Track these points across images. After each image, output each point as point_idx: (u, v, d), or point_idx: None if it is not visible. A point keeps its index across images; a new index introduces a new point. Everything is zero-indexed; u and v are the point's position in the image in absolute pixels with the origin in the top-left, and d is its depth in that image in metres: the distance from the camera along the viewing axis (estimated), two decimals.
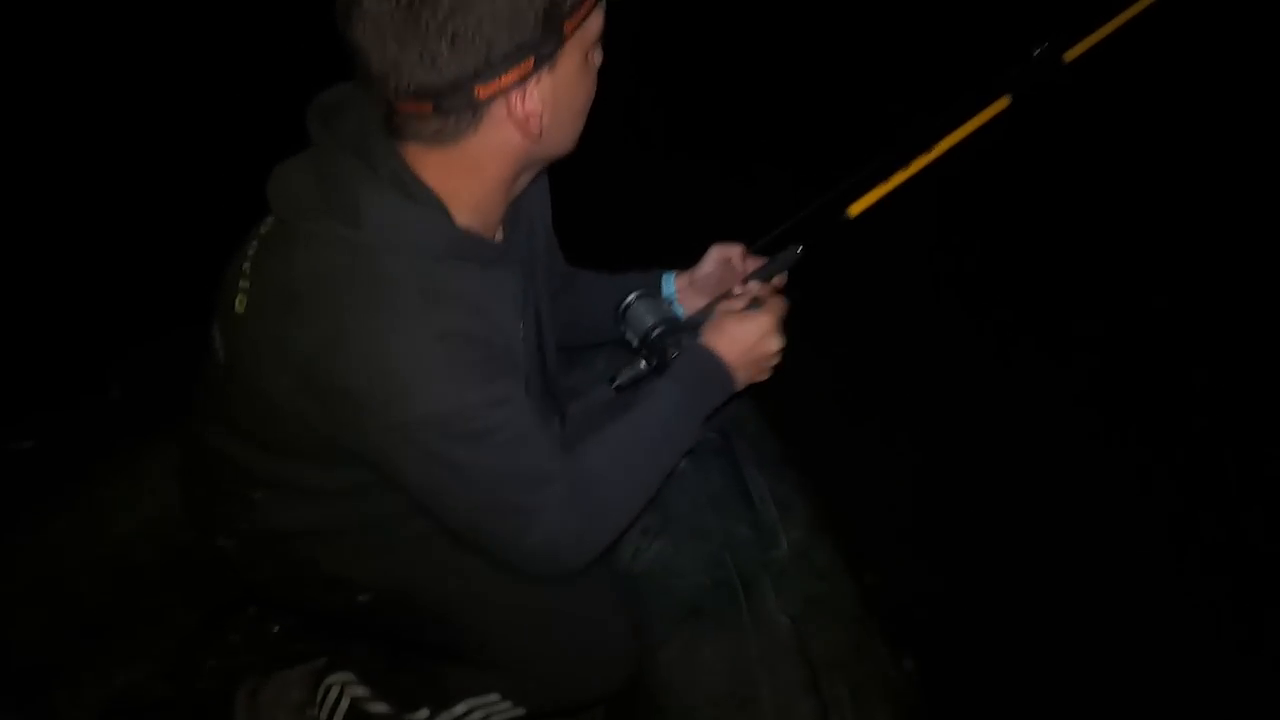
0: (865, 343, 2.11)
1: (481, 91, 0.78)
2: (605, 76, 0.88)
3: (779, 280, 1.17)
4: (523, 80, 0.79)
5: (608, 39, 0.87)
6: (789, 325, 1.07)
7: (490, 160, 0.85)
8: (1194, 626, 1.60)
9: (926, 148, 1.13)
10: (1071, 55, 1.18)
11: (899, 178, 1.13)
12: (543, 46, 0.79)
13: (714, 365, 1.03)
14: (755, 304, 1.07)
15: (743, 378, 1.05)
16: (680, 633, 1.17)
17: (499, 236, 0.96)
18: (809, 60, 3.02)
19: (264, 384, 0.88)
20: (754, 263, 1.17)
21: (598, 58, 0.89)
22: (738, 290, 1.15)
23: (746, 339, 1.04)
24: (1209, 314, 2.24)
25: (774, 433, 1.45)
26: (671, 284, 1.21)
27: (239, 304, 0.90)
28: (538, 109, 0.82)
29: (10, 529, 1.24)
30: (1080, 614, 1.63)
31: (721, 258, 1.18)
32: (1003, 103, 1.15)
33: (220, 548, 1.11)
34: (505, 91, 0.79)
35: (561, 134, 0.88)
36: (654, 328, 1.11)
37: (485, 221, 0.91)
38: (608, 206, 2.16)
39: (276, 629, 1.48)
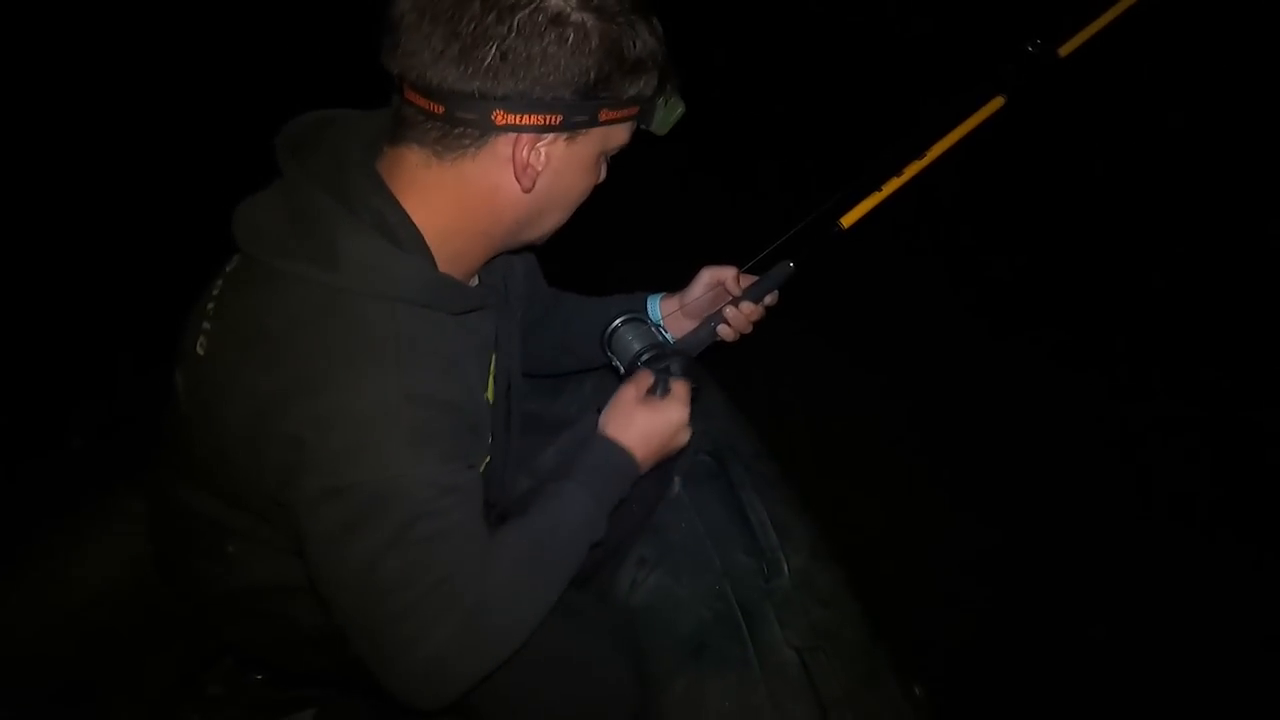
0: (858, 356, 2.08)
1: (500, 118, 0.75)
2: None
3: (772, 298, 1.13)
4: (541, 131, 0.77)
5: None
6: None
7: (478, 198, 0.81)
8: (1217, 654, 1.57)
9: (919, 153, 1.09)
10: (1067, 50, 1.14)
11: (893, 185, 1.08)
12: (575, 113, 0.77)
13: (623, 460, 0.96)
14: (663, 385, 1.00)
15: (648, 466, 0.99)
16: (683, 671, 1.13)
17: (473, 281, 0.93)
18: (799, 69, 3.00)
19: (219, 430, 0.82)
20: (746, 282, 1.13)
21: (604, 171, 0.87)
22: (729, 312, 1.12)
23: (662, 433, 0.98)
24: (1208, 311, 2.23)
25: (770, 452, 1.41)
26: (658, 308, 1.17)
27: (199, 346, 0.84)
28: (539, 166, 0.79)
29: None
30: (1093, 632, 1.61)
31: (713, 281, 1.14)
32: (997, 103, 1.11)
33: (197, 606, 1.05)
34: (520, 131, 0.76)
35: (546, 207, 0.85)
36: (641, 353, 1.08)
37: (463, 268, 0.87)
38: (595, 222, 2.11)
39: (259, 678, 1.42)
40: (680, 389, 1.01)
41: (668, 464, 1.05)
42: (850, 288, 2.00)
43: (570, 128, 0.78)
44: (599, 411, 1.15)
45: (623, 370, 1.11)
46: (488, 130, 0.76)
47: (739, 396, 1.47)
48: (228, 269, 0.87)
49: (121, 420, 1.29)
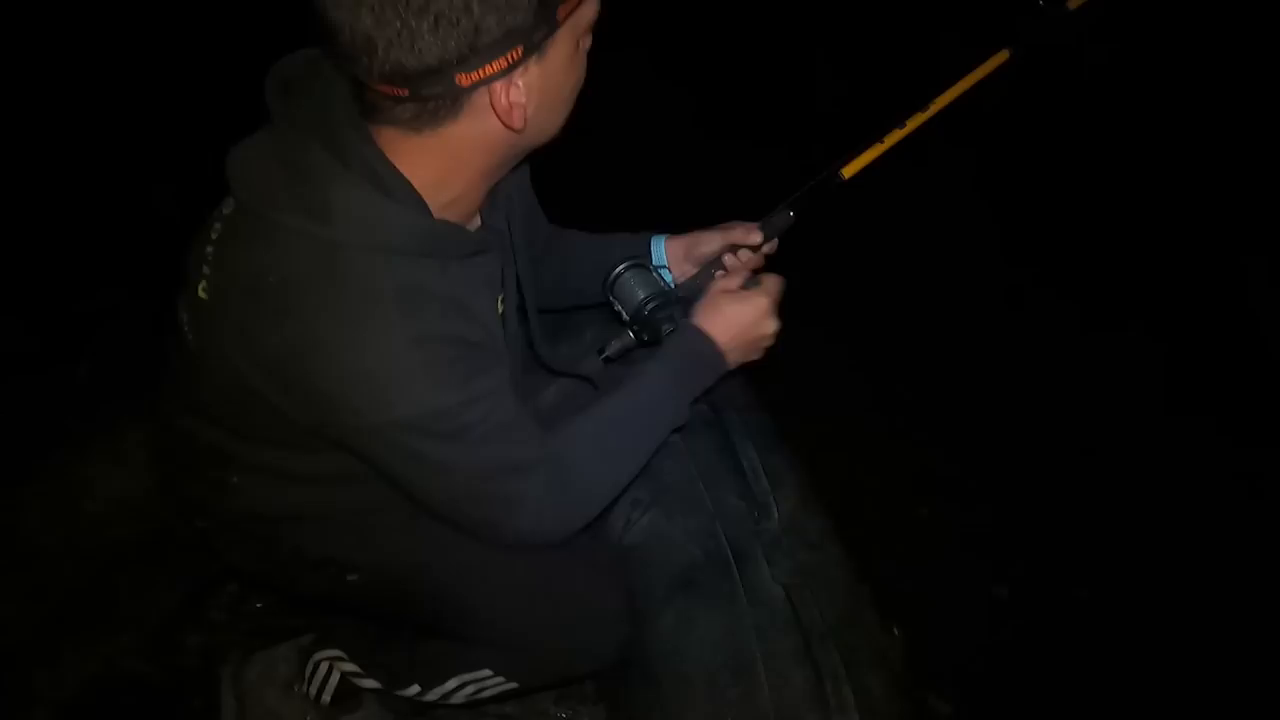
0: (855, 315, 2.10)
1: (463, 79, 0.72)
2: (609, 54, 0.83)
3: (770, 246, 1.14)
4: (509, 69, 0.73)
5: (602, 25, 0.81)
6: (784, 302, 1.04)
7: (470, 151, 0.81)
8: (1190, 627, 1.60)
9: (923, 106, 1.06)
10: (1076, 2, 1.09)
11: (894, 137, 1.06)
12: (534, 34, 0.73)
13: (707, 348, 1.01)
14: (753, 282, 1.04)
15: (735, 359, 1.03)
16: (673, 604, 1.17)
17: (475, 222, 0.93)
18: (810, 29, 2.97)
19: (236, 374, 0.84)
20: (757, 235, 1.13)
21: (587, 42, 0.84)
22: (728, 260, 1.13)
23: (743, 320, 1.02)
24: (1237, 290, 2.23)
25: (764, 406, 1.44)
26: (662, 250, 1.18)
27: (201, 290, 0.85)
28: (523, 100, 0.76)
29: None
30: (1068, 586, 1.65)
31: (728, 243, 1.13)
32: (1002, 56, 1.08)
33: (200, 530, 1.08)
34: (489, 80, 0.73)
35: (547, 123, 0.84)
36: (646, 301, 1.08)
37: (463, 210, 0.87)
38: (604, 181, 2.11)
39: (259, 605, 1.46)
40: (771, 282, 1.03)
41: None
42: (850, 249, 2.02)
43: (535, 49, 0.74)
44: (600, 353, 1.18)
45: (626, 317, 1.12)
46: (458, 96, 0.75)
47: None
48: (225, 211, 0.87)
49: (128, 349, 1.30)
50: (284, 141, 0.80)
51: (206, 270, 0.85)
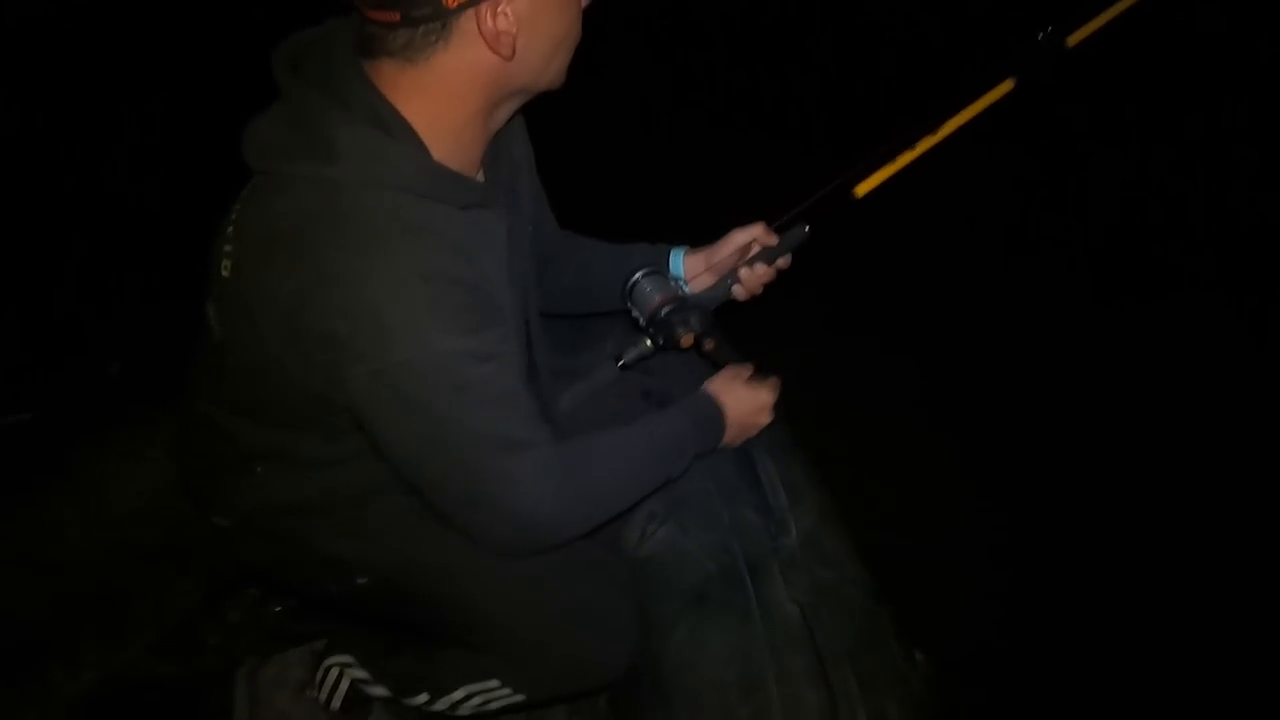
0: (875, 332, 2.08)
1: (449, 0, 0.75)
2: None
3: (784, 261, 1.15)
4: None
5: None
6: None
7: (463, 83, 0.82)
8: (1213, 631, 1.57)
9: (932, 129, 1.14)
10: (1075, 39, 1.18)
11: (905, 159, 1.13)
12: None
13: (718, 416, 1.08)
14: (760, 376, 1.15)
15: (730, 437, 1.11)
16: (686, 619, 1.15)
17: (480, 176, 0.93)
18: (822, 42, 3.01)
19: (252, 344, 0.85)
20: (775, 237, 1.14)
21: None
22: (743, 272, 1.13)
23: (751, 406, 1.12)
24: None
25: (785, 420, 1.42)
26: (680, 262, 1.18)
27: (224, 269, 0.87)
28: (510, 28, 0.79)
29: (9, 502, 1.24)
30: (1091, 610, 1.60)
31: (744, 242, 1.14)
32: (1006, 86, 1.16)
33: (218, 527, 1.09)
34: (475, 3, 0.77)
35: (537, 61, 0.85)
36: (662, 305, 1.10)
37: (465, 158, 0.88)
38: (618, 181, 2.14)
39: (277, 609, 1.48)
40: (776, 383, 1.15)
41: None
42: (863, 259, 2.01)
43: None
44: (615, 359, 1.18)
45: (643, 322, 1.13)
46: (445, 17, 0.77)
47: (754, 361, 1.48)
48: (243, 193, 0.90)
49: (157, 347, 1.34)
50: (290, 103, 0.83)
51: (228, 248, 0.87)
